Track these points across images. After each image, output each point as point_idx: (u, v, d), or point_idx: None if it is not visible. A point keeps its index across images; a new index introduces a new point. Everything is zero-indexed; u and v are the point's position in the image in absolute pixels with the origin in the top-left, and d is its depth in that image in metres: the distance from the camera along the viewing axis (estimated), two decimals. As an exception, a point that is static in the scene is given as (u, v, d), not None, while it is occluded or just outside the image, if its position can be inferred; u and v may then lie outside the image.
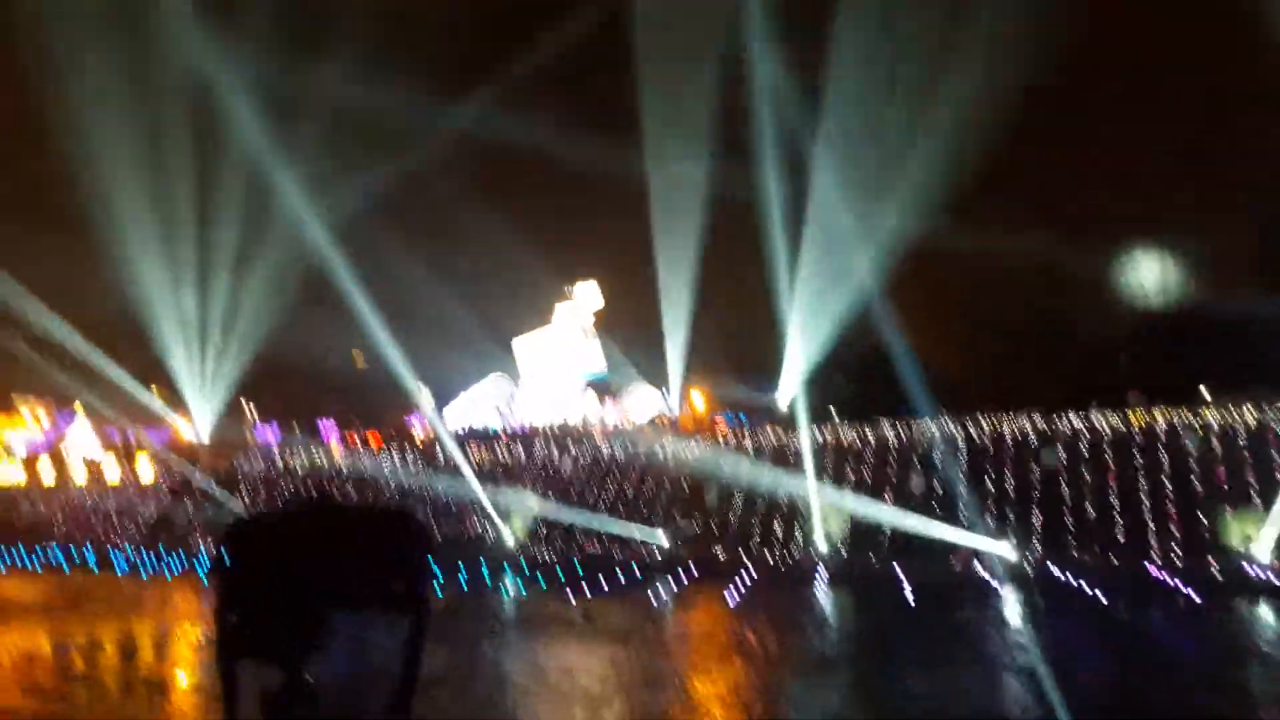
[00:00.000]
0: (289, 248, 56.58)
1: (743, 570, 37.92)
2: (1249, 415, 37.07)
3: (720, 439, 48.47)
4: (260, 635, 2.38)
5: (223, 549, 2.39)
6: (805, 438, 43.68)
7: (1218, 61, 54.75)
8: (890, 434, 43.82)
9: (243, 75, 52.31)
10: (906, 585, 33.93)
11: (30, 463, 65.55)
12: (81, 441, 67.02)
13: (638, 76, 53.46)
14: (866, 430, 44.43)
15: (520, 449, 51.77)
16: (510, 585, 39.81)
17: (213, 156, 57.02)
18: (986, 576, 35.02)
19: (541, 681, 25.29)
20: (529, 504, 46.80)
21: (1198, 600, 30.52)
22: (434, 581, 2.47)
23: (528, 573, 41.11)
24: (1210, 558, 33.19)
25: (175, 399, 64.30)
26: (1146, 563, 33.80)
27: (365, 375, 62.55)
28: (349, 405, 64.37)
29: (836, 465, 43.42)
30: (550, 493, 47.45)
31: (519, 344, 64.42)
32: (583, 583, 36.86)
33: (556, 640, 30.00)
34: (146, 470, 60.09)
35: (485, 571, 40.61)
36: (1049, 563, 34.66)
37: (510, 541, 45.11)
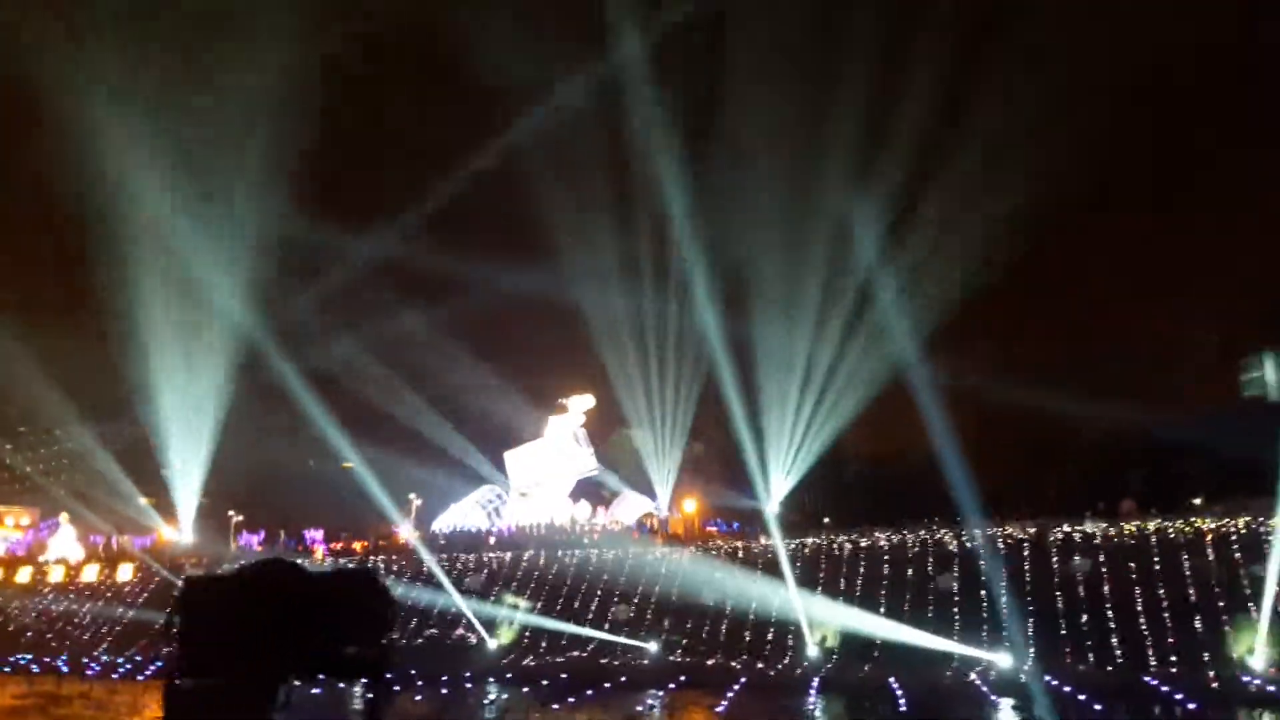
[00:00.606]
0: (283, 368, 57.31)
1: (734, 679, 37.02)
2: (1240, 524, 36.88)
3: (710, 546, 47.89)
4: (210, 700, 2.34)
5: (172, 611, 2.36)
6: (782, 550, 43.47)
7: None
8: (883, 542, 43.43)
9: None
10: (900, 695, 33.10)
11: (6, 565, 64.42)
12: (63, 547, 66.08)
13: (622, 203, 55.40)
14: (859, 539, 44.04)
15: (507, 554, 51.09)
16: (494, 692, 38.73)
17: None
18: (982, 686, 34.18)
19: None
20: (515, 610, 45.93)
21: (1192, 708, 29.83)
22: (392, 643, 2.44)
23: (512, 680, 40.09)
24: (1208, 669, 32.58)
25: (166, 509, 64.00)
26: (1144, 674, 33.14)
27: (356, 490, 62.51)
28: (341, 517, 64.25)
29: (829, 573, 42.86)
30: (536, 598, 46.64)
31: (511, 457, 64.35)
32: (569, 691, 35.97)
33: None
34: (126, 574, 59.00)
35: (468, 679, 39.63)
36: (1046, 674, 33.94)
37: (494, 648, 44.07)
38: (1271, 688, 31.03)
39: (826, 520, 48.49)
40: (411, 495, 65.68)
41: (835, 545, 44.26)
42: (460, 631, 45.50)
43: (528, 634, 44.39)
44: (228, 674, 1.87)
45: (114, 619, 53.46)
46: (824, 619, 40.25)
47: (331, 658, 1.85)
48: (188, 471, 61.61)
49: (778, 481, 53.04)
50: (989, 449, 54.05)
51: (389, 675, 1.93)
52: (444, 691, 37.93)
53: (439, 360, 67.83)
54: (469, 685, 39.53)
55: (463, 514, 62.59)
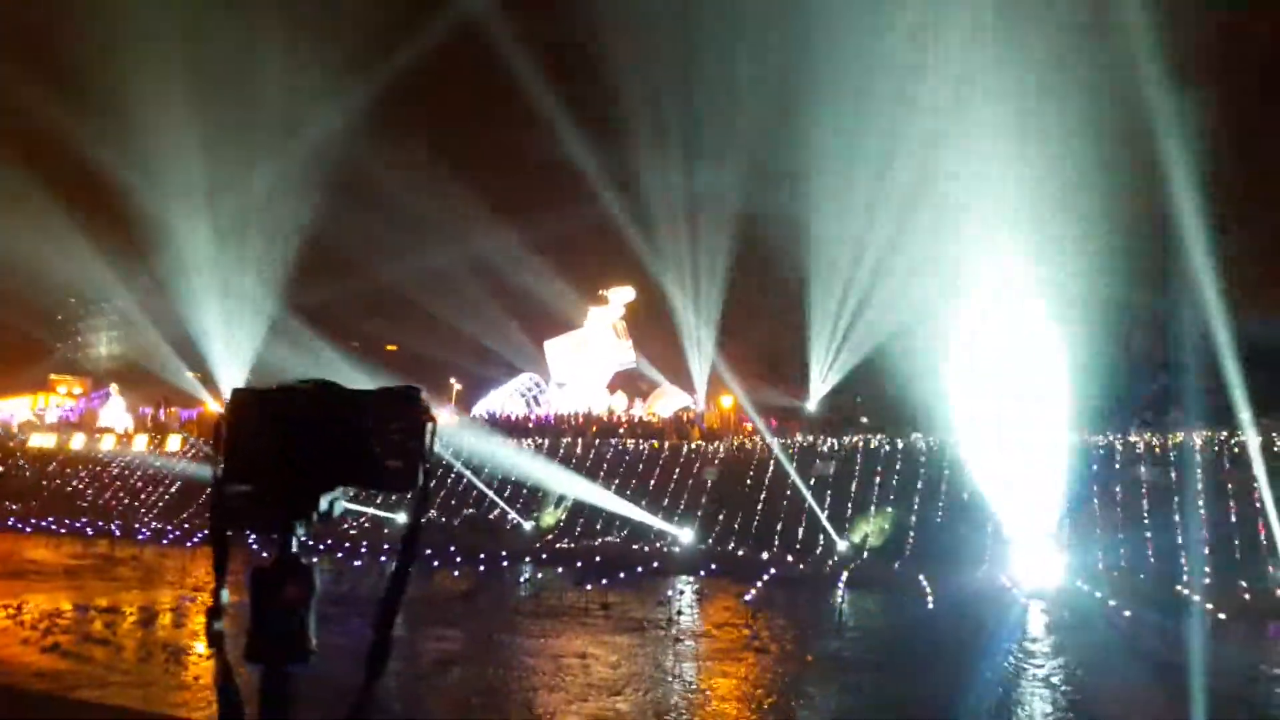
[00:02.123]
0: (334, 233, 57.49)
1: (763, 569, 37.69)
2: None
3: (747, 440, 48.21)
4: (254, 505, 2.29)
5: (222, 419, 2.32)
6: (829, 443, 43.45)
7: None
8: (921, 444, 43.43)
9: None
10: (929, 592, 33.51)
11: (59, 430, 66.65)
12: (114, 415, 68.17)
13: (672, 80, 53.83)
14: (897, 440, 44.06)
15: (545, 439, 51.86)
16: (528, 571, 39.86)
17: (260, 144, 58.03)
18: (1012, 588, 34.48)
19: (556, 667, 25.17)
20: (550, 493, 46.84)
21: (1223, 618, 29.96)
22: (430, 459, 2.37)
23: (547, 560, 41.16)
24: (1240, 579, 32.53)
25: (211, 381, 65.40)
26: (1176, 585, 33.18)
27: (398, 372, 63.36)
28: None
29: (863, 472, 43.05)
30: (573, 483, 47.45)
31: (550, 346, 64.86)
32: (601, 573, 36.88)
33: (571, 627, 29.90)
34: (174, 444, 60.79)
35: (505, 558, 40.72)
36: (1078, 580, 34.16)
37: (530, 529, 45.12)
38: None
39: (864, 420, 48.35)
40: (451, 379, 66.72)
41: (871, 445, 44.32)
42: (498, 512, 46.56)
43: (563, 520, 45.34)
44: (270, 482, 1.88)
45: (163, 486, 55.34)
46: (857, 517, 40.62)
47: (372, 470, 1.85)
48: (232, 352, 62.78)
49: (818, 381, 52.99)
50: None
51: (427, 491, 1.95)
52: (480, 569, 39.11)
53: (477, 244, 67.78)
54: (505, 564, 40.64)
55: (502, 400, 63.49)
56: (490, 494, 46.88)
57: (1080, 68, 43.43)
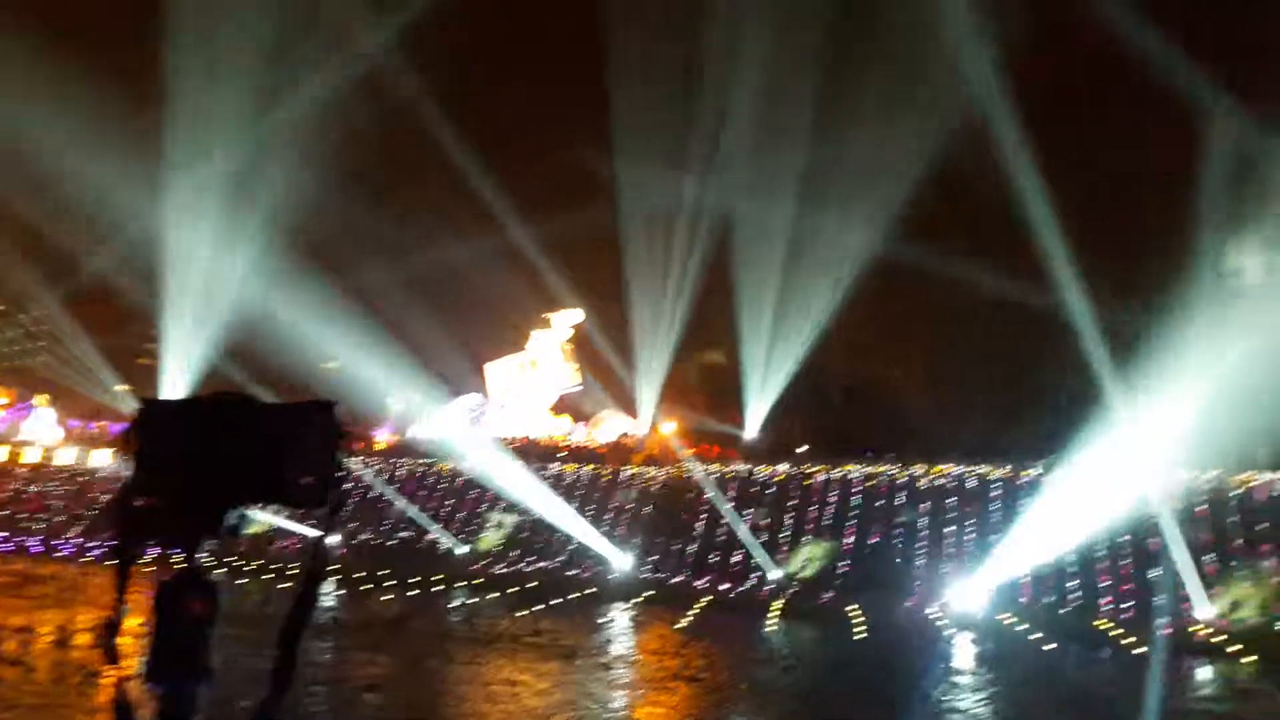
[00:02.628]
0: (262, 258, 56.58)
1: (698, 596, 37.79)
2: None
3: (686, 467, 48.36)
4: (161, 518, 2.27)
5: (128, 430, 2.28)
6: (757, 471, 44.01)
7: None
8: (856, 472, 44.01)
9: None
10: (860, 621, 33.88)
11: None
12: (42, 428, 66.01)
13: (612, 110, 54.33)
14: (831, 469, 44.60)
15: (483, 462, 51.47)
16: (461, 597, 39.42)
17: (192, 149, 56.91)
18: (940, 619, 34.99)
19: (485, 694, 24.94)
20: (489, 517, 46.50)
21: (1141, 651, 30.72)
22: (344, 476, 2.32)
23: (481, 586, 40.76)
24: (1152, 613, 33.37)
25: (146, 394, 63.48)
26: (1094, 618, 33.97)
27: (337, 390, 62.28)
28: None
29: (800, 499, 43.46)
30: (508, 507, 47.16)
31: (491, 369, 64.33)
32: (537, 600, 36.67)
33: (503, 654, 29.66)
34: (102, 459, 59.08)
35: (436, 583, 40.25)
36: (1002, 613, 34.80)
37: (465, 553, 44.67)
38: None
39: (804, 448, 48.85)
40: (390, 399, 65.76)
41: (806, 475, 44.77)
42: (432, 536, 46.02)
43: (497, 547, 44.95)
44: (176, 495, 1.85)
45: (88, 501, 53.74)
46: (800, 545, 40.96)
47: (282, 486, 1.82)
48: (165, 366, 61.23)
49: (757, 407, 53.48)
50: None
51: (339, 509, 1.93)
52: (412, 593, 38.60)
53: (419, 263, 67.15)
54: (438, 589, 40.17)
55: (443, 421, 62.73)
56: (418, 518, 46.31)
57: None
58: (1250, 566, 34.01)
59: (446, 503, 48.45)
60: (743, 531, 41.63)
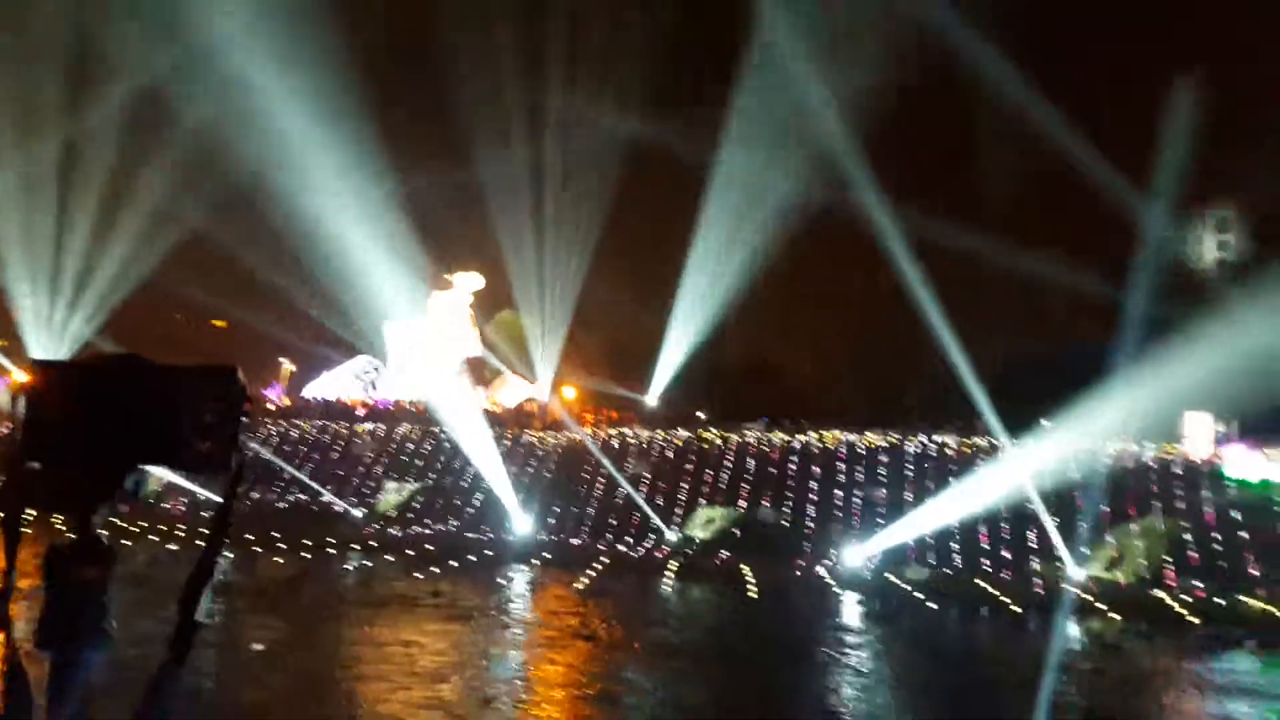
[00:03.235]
0: (154, 203, 54.20)
1: (597, 558, 38.18)
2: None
3: (588, 432, 48.60)
4: (53, 483, 2.20)
5: (20, 395, 2.19)
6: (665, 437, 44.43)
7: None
8: (751, 438, 44.93)
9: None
10: (751, 582, 34.78)
11: None
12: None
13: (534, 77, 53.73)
14: (731, 435, 45.45)
15: (381, 425, 50.75)
16: (357, 561, 38.97)
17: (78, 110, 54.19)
18: (828, 579, 36.17)
19: (381, 655, 24.80)
20: (385, 481, 45.96)
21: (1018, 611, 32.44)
22: (244, 441, 2.27)
23: (377, 549, 40.35)
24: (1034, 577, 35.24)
25: (20, 351, 60.51)
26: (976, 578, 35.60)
27: (223, 345, 60.30)
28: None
29: (697, 464, 44.19)
30: (407, 473, 46.68)
31: (390, 329, 62.97)
32: (434, 561, 36.54)
33: (399, 616, 29.50)
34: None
35: (330, 546, 39.70)
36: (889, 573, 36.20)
37: (360, 517, 44.09)
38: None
39: (702, 415, 49.63)
40: (283, 360, 64.08)
41: (703, 440, 45.51)
42: (326, 499, 45.24)
43: (395, 510, 44.48)
44: (71, 460, 1.78)
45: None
46: (697, 509, 41.68)
47: (181, 451, 1.78)
48: (40, 324, 58.34)
49: (659, 373, 53.97)
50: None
51: (242, 475, 1.88)
52: (306, 556, 37.99)
53: (318, 218, 65.19)
54: (333, 552, 39.63)
55: (337, 383, 61.55)
56: (310, 482, 45.48)
57: None
58: (1120, 532, 36.02)
59: (341, 466, 47.66)
60: (639, 495, 42.11)
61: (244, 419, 2.26)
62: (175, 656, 2.22)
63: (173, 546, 34.33)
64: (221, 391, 2.26)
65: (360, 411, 54.15)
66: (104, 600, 2.25)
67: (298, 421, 51.26)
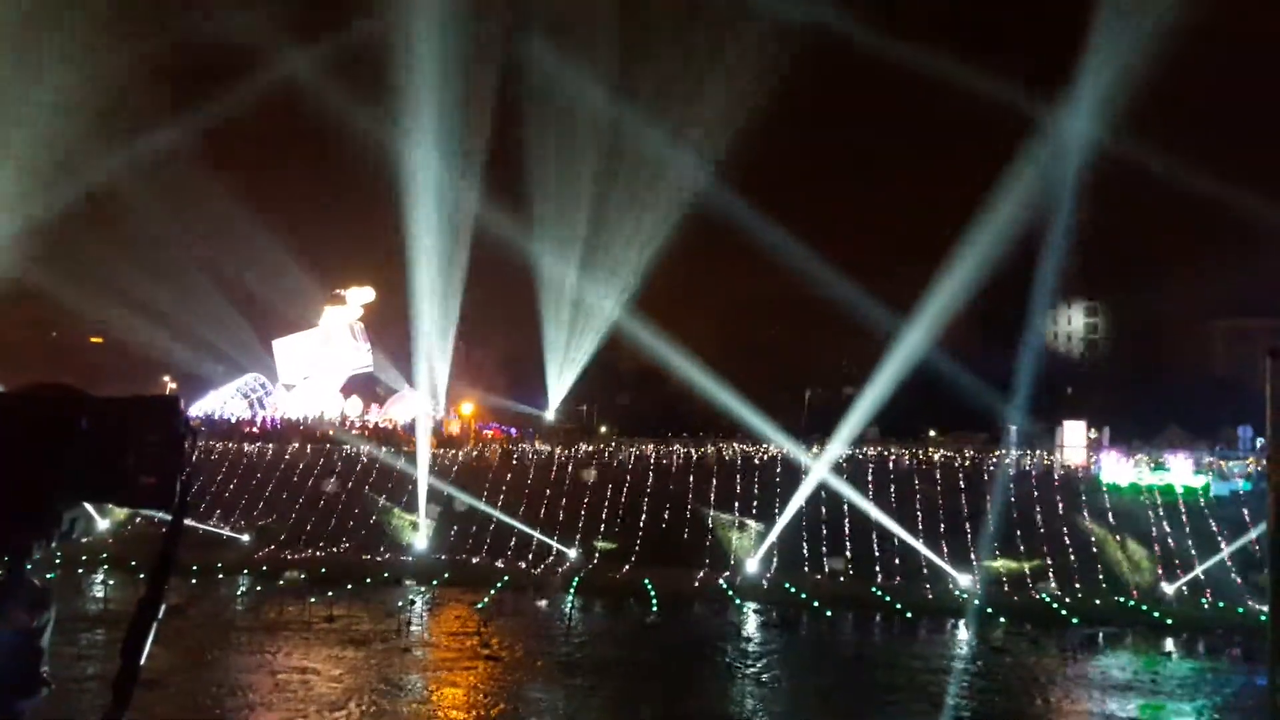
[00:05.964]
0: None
1: (498, 576, 37.82)
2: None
3: (484, 447, 48.16)
4: None
5: None
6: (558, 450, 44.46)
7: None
8: (650, 452, 45.31)
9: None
10: (652, 596, 35.00)
11: None
12: None
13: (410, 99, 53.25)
14: (625, 447, 45.73)
15: (269, 445, 49.22)
16: (249, 586, 37.65)
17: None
18: (728, 590, 36.61)
19: (275, 684, 24.04)
20: (277, 501, 44.57)
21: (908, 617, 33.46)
22: (187, 473, 2.20)
23: (268, 573, 39.07)
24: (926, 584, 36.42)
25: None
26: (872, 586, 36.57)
27: (102, 366, 57.65)
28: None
29: (598, 478, 44.27)
30: (298, 494, 45.37)
31: (280, 345, 61.24)
32: (329, 585, 35.56)
33: (293, 641, 28.65)
34: None
35: (217, 570, 38.27)
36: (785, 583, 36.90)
37: (248, 541, 42.61)
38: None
39: (603, 429, 49.79)
40: (166, 378, 61.70)
41: (604, 454, 45.64)
42: (214, 523, 43.58)
43: (288, 531, 43.19)
44: (3, 497, 1.67)
45: None
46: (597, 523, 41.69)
47: (121, 487, 1.69)
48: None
49: (556, 387, 53.91)
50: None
51: (185, 508, 1.80)
52: (192, 582, 36.50)
53: (208, 230, 63.16)
54: (220, 577, 38.20)
55: (222, 401, 59.45)
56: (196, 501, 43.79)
57: None
58: (1006, 540, 37.48)
59: (228, 487, 46.01)
60: (539, 512, 41.91)
61: (187, 452, 2.20)
62: (118, 700, 2.07)
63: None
64: (164, 423, 2.20)
65: (249, 430, 52.48)
66: (39, 646, 2.16)
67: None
